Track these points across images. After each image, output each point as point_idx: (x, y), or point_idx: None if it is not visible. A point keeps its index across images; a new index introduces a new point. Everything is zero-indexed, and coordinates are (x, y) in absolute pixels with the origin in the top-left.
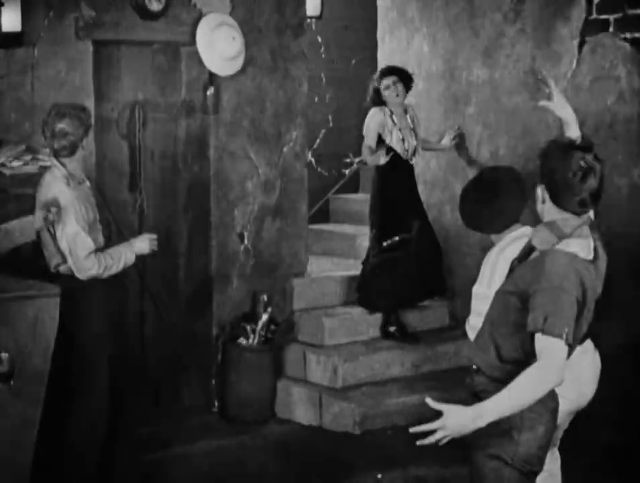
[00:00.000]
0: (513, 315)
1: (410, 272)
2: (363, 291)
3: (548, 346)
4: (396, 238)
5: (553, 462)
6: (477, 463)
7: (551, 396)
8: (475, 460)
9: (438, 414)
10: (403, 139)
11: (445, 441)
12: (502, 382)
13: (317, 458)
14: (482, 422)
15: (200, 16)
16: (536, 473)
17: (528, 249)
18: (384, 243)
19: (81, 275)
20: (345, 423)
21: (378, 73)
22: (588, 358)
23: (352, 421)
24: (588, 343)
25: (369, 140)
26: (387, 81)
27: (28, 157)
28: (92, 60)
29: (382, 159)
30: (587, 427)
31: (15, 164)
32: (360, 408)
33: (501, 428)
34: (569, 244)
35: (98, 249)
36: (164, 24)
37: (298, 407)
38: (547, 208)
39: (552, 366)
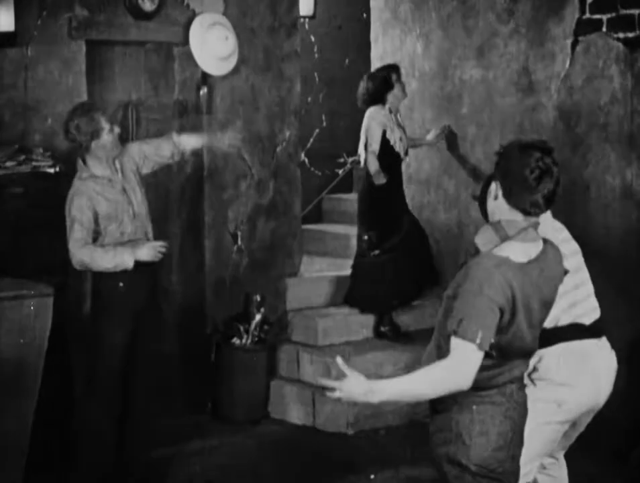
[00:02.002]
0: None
1: (403, 272)
2: (356, 292)
3: (459, 348)
4: (386, 245)
5: (559, 469)
6: (443, 470)
7: (512, 396)
8: (442, 468)
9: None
10: (401, 138)
11: (337, 398)
12: None
13: (310, 458)
14: (373, 399)
15: (193, 16)
16: (502, 473)
17: (476, 250)
18: (374, 252)
19: (72, 261)
20: (338, 423)
21: (385, 69)
22: (605, 355)
23: (345, 421)
24: (604, 342)
25: (375, 144)
26: (397, 75)
27: (21, 158)
28: (86, 60)
29: (383, 178)
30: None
31: (9, 164)
32: (353, 409)
33: (453, 434)
34: (504, 247)
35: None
36: (157, 24)
37: (292, 407)
38: (497, 205)
39: (458, 368)
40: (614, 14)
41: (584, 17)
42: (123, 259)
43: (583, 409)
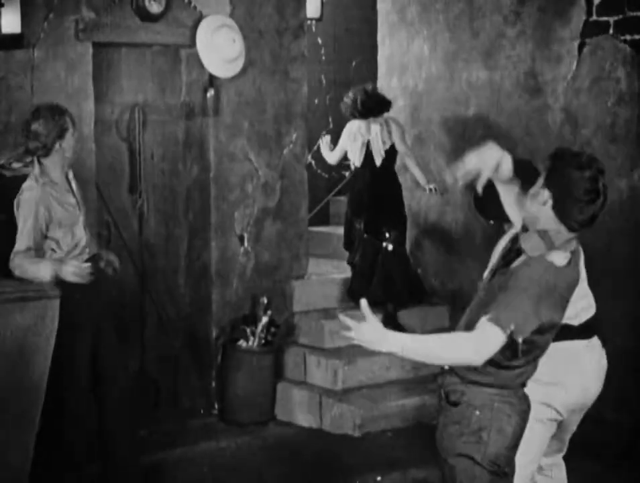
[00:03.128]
0: None
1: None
2: (355, 286)
3: (488, 328)
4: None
5: (558, 470)
6: (449, 463)
7: (523, 399)
8: (448, 461)
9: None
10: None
11: (350, 338)
12: (473, 382)
13: (317, 460)
14: (382, 347)
15: (200, 18)
16: (507, 474)
17: (510, 251)
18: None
19: (10, 265)
20: (345, 425)
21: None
22: (594, 355)
23: (352, 423)
24: (595, 340)
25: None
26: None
27: (28, 159)
28: (92, 62)
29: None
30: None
31: (15, 165)
32: (360, 411)
33: (471, 429)
34: (552, 254)
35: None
36: (164, 26)
37: (298, 409)
38: (545, 213)
39: (477, 343)
40: (621, 16)
41: (591, 19)
42: (42, 275)
43: (571, 408)
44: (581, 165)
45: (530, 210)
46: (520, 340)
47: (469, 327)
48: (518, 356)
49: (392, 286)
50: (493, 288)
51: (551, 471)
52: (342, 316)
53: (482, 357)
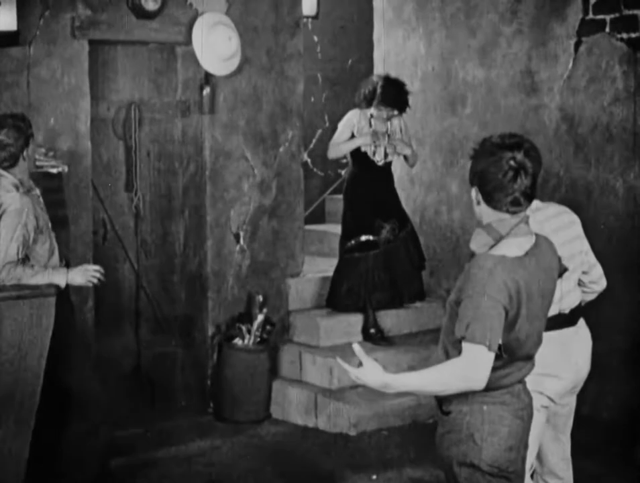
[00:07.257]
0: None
1: (377, 273)
2: (330, 291)
3: (470, 350)
4: (361, 239)
5: (566, 470)
6: (452, 472)
7: (520, 396)
8: (451, 470)
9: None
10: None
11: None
12: None
13: (312, 459)
14: (389, 391)
15: (196, 16)
16: (514, 473)
17: (472, 254)
18: (348, 244)
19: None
20: (340, 424)
21: (378, 92)
22: (581, 336)
23: (347, 422)
24: (581, 322)
25: (338, 136)
26: (383, 113)
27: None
28: (88, 60)
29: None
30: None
31: None
32: (355, 409)
33: (464, 435)
34: (499, 246)
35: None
36: (160, 24)
37: (294, 408)
38: (482, 210)
39: (470, 370)
40: (617, 14)
41: (587, 17)
42: (53, 280)
43: (563, 393)
44: (492, 151)
45: (477, 214)
46: (496, 349)
47: (443, 347)
48: (499, 357)
49: (338, 294)
50: (454, 294)
51: (560, 472)
52: (340, 360)
53: (480, 380)
